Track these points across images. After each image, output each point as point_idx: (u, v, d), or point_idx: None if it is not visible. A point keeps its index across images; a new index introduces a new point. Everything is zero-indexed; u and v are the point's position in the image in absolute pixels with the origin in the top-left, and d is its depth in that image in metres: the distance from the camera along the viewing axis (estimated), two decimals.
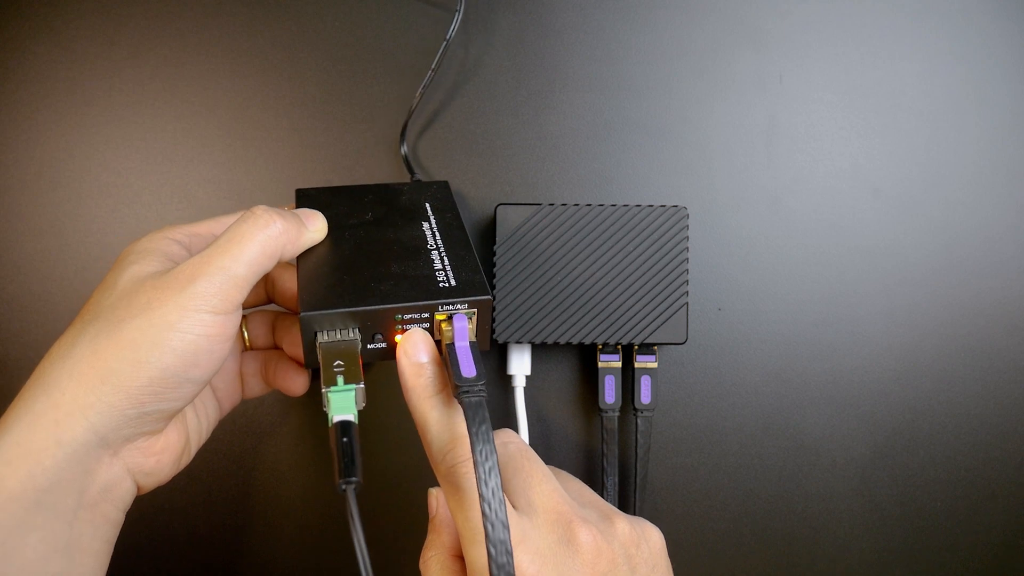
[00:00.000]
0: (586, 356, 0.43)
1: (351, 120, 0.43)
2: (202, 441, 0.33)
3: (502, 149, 0.43)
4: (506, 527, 0.25)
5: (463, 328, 0.30)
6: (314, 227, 0.32)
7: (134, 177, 0.42)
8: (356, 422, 0.27)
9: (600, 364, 0.40)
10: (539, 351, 0.42)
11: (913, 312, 0.43)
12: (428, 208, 0.35)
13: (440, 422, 0.29)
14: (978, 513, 0.43)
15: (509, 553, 0.25)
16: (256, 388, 0.36)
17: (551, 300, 0.38)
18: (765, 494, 0.43)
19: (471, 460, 0.27)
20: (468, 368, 0.29)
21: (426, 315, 0.30)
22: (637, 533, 0.29)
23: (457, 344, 0.30)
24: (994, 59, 0.44)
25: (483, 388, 0.28)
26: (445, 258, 0.32)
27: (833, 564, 0.43)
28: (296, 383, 0.35)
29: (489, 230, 0.42)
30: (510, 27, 0.43)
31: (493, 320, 0.38)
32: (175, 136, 0.43)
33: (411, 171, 0.41)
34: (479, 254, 0.42)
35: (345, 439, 0.27)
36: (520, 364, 0.41)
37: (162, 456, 0.29)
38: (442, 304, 0.30)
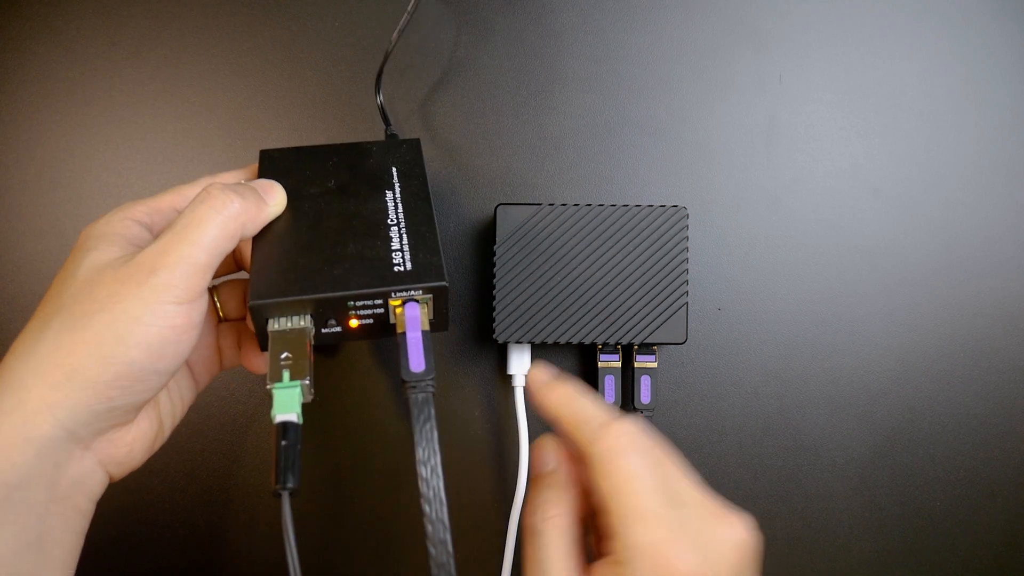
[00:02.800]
0: (586, 356, 0.43)
1: (351, 120, 0.43)
2: (177, 421, 0.33)
3: (502, 149, 0.43)
4: (447, 528, 0.25)
5: (415, 317, 0.29)
6: (273, 200, 0.31)
7: (135, 177, 0.42)
8: (300, 421, 0.27)
9: (600, 364, 0.40)
10: (539, 351, 0.42)
11: (913, 312, 0.43)
12: (395, 173, 0.34)
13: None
14: (978, 513, 0.43)
15: (450, 555, 0.25)
16: (234, 359, 0.35)
17: (551, 300, 0.38)
18: (765, 494, 0.43)
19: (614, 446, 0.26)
20: (417, 362, 0.28)
21: (379, 302, 0.29)
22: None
23: (408, 334, 0.28)
24: (994, 59, 0.44)
25: (431, 383, 0.27)
26: (404, 236, 0.30)
27: (833, 564, 0.43)
28: (259, 362, 0.34)
29: (489, 230, 0.42)
30: (510, 27, 0.43)
31: (493, 320, 0.38)
32: (175, 136, 0.43)
33: (386, 121, 0.39)
34: (483, 238, 0.42)
35: (284, 442, 0.26)
36: (520, 364, 0.41)
37: (134, 445, 0.29)
38: (395, 291, 0.29)
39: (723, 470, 0.43)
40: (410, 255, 0.30)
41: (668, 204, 0.41)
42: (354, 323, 0.30)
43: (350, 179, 0.33)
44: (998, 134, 0.43)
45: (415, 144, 0.35)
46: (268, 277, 0.29)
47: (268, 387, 0.27)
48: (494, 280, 0.38)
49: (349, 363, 0.42)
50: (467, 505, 0.42)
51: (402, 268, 0.29)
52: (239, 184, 0.30)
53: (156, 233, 0.30)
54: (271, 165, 0.33)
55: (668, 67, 0.43)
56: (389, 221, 0.31)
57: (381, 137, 0.42)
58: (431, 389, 0.27)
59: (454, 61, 0.43)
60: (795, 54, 0.43)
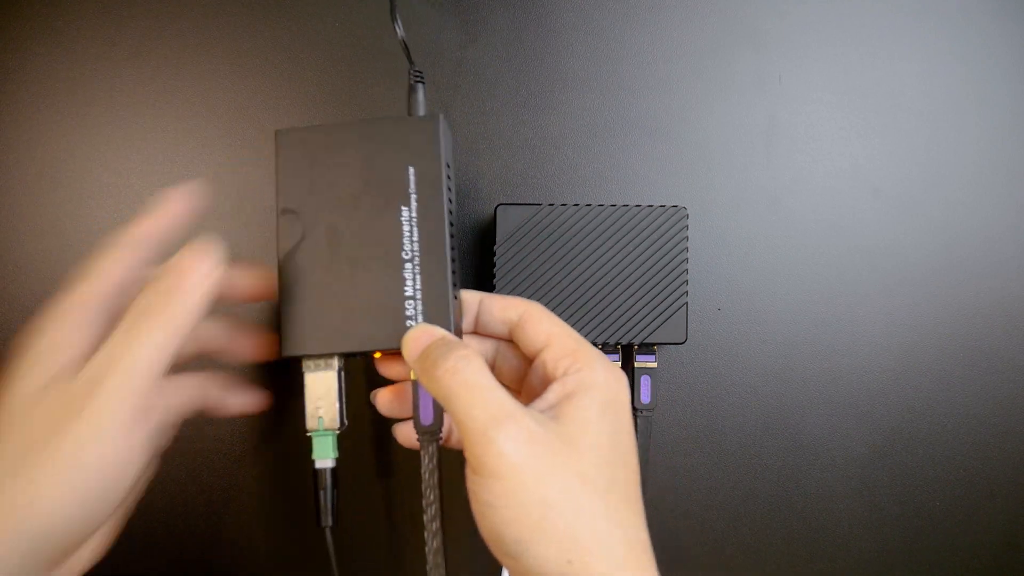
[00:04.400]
0: None
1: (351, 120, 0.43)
2: (140, 496, 0.31)
3: (502, 149, 0.43)
4: (442, 557, 0.30)
5: None
6: (201, 292, 0.28)
7: (135, 177, 0.42)
8: (334, 465, 0.33)
9: None
10: None
11: (912, 312, 0.43)
12: (411, 177, 0.32)
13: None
14: (977, 512, 0.43)
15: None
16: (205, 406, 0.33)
17: (551, 300, 0.38)
18: (765, 494, 0.43)
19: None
20: (427, 415, 0.31)
21: (395, 348, 0.31)
22: None
23: (421, 389, 0.31)
24: (994, 59, 0.44)
25: (439, 433, 0.31)
26: (418, 277, 0.31)
27: (833, 563, 0.43)
28: (249, 402, 0.34)
29: (489, 230, 0.42)
30: (510, 27, 0.43)
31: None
32: (176, 136, 0.43)
33: (410, 60, 0.36)
34: (472, 248, 0.42)
35: (322, 488, 0.33)
36: None
37: (83, 556, 0.28)
38: None
39: (723, 470, 0.43)
40: (423, 306, 0.31)
41: (668, 204, 0.41)
42: (377, 355, 0.34)
43: (364, 185, 0.32)
44: (998, 134, 0.43)
45: (433, 128, 0.32)
46: (297, 327, 0.32)
47: (308, 434, 0.33)
48: (494, 280, 0.39)
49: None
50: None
51: (414, 323, 0.31)
52: (162, 282, 0.28)
53: (109, 315, 0.28)
54: (289, 152, 0.33)
55: (668, 67, 0.43)
56: (403, 254, 0.31)
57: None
58: (439, 438, 0.31)
59: (454, 61, 0.43)
60: (795, 54, 0.43)
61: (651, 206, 0.39)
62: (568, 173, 0.43)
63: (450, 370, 0.27)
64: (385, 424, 0.42)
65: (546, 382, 0.30)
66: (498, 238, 0.38)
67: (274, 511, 0.42)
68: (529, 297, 0.39)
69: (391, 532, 0.42)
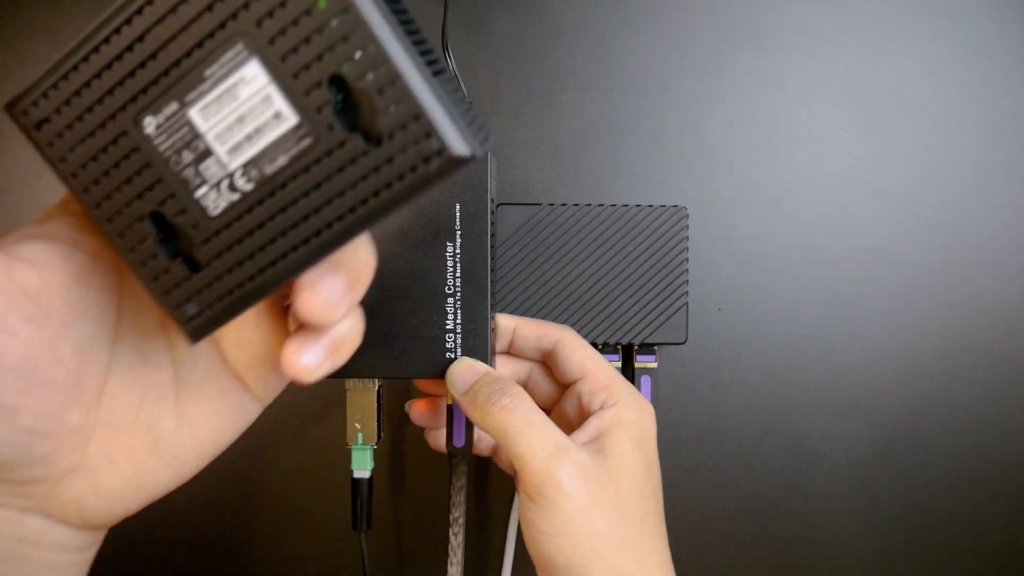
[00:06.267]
0: None
1: None
2: (203, 438, 0.25)
3: (502, 149, 0.43)
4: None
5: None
6: None
7: None
8: (370, 475, 0.36)
9: None
10: None
11: (913, 312, 0.43)
12: (457, 214, 0.33)
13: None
14: (978, 514, 0.43)
15: None
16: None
17: (551, 300, 0.38)
18: (765, 494, 0.43)
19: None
20: (459, 438, 0.34)
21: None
22: None
23: (456, 413, 0.34)
24: (994, 59, 0.44)
25: (469, 454, 0.34)
26: (459, 312, 0.33)
27: (833, 564, 0.43)
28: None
29: None
30: (510, 27, 0.43)
31: (493, 319, 0.38)
32: None
33: (463, 94, 0.37)
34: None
35: (359, 496, 0.36)
36: None
37: (88, 474, 0.22)
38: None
39: (723, 470, 0.43)
40: (462, 339, 0.33)
41: (668, 204, 0.41)
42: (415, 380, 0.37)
43: (414, 219, 0.34)
44: (998, 134, 0.43)
45: (482, 167, 0.33)
46: None
47: (348, 446, 0.35)
48: (494, 280, 0.38)
49: None
50: (471, 504, 0.42)
51: (453, 355, 0.33)
52: None
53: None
54: None
55: (668, 67, 0.43)
56: (447, 289, 0.33)
57: None
58: (468, 457, 0.34)
59: (454, 61, 0.43)
60: (795, 55, 0.43)
61: (651, 206, 0.39)
62: (568, 173, 0.43)
63: (507, 408, 0.29)
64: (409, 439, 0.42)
65: (582, 414, 0.32)
66: (498, 238, 0.38)
67: (296, 513, 0.42)
68: (529, 296, 0.39)
69: (412, 541, 0.42)
